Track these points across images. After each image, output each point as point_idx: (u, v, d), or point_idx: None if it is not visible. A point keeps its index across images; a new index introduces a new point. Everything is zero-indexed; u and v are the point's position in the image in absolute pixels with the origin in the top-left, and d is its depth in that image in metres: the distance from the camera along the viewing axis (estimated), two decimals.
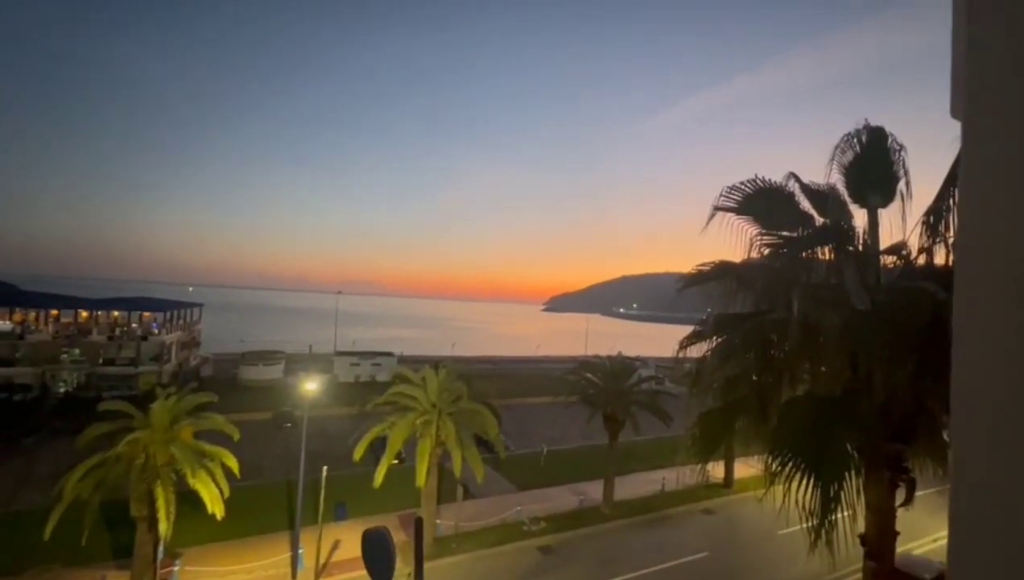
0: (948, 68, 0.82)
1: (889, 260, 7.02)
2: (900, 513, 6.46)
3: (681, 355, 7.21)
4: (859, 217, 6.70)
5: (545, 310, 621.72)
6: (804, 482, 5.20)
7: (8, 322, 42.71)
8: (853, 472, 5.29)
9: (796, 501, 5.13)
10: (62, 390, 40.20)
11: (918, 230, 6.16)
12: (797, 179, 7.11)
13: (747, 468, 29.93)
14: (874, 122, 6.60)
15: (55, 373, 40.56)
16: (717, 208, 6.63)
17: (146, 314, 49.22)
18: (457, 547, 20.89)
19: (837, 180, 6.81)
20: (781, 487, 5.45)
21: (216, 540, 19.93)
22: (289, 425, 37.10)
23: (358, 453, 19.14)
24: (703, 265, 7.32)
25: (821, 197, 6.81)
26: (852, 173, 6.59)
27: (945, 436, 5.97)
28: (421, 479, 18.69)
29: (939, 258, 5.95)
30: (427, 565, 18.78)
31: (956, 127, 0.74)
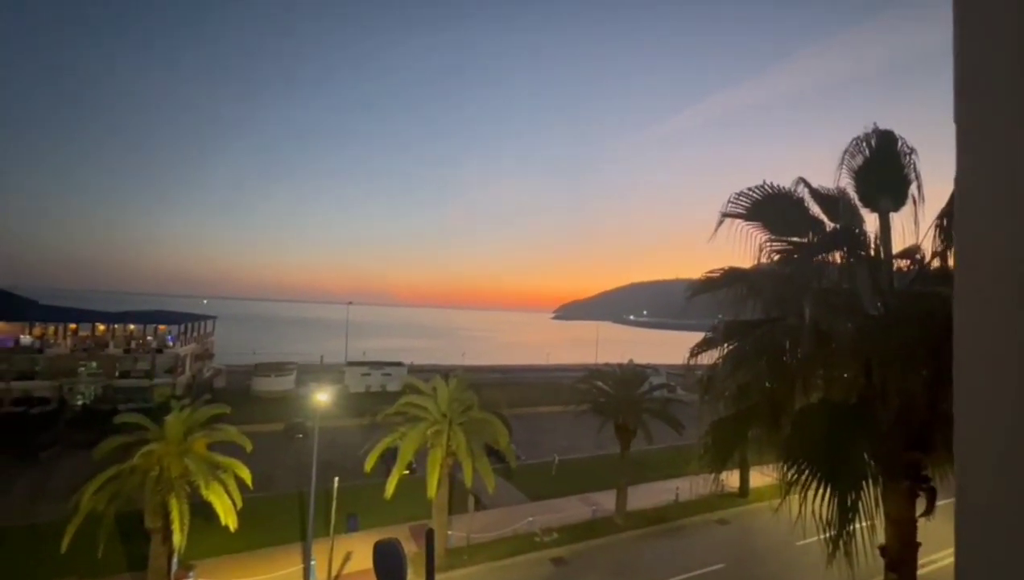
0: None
1: (902, 264, 6.93)
2: (921, 523, 6.30)
3: (692, 362, 7.15)
4: (870, 221, 6.63)
5: (555, 318, 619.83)
6: (820, 492, 5.10)
7: (28, 336, 43.57)
8: (870, 481, 5.18)
9: (812, 511, 5.03)
10: (79, 403, 40.82)
11: (931, 234, 6.08)
12: (806, 184, 7.07)
13: (763, 477, 29.38)
14: (885, 125, 6.55)
15: (73, 386, 41.22)
16: (725, 214, 6.61)
17: (161, 327, 49.96)
18: (469, 559, 20.71)
19: (847, 184, 6.75)
20: (797, 497, 5.36)
21: (229, 552, 19.98)
22: (301, 436, 37.27)
23: (369, 464, 19.16)
24: (712, 272, 7.28)
25: (831, 202, 6.75)
26: (862, 177, 6.53)
27: None
28: (432, 490, 18.63)
29: (953, 262, 5.84)
30: (439, 577, 18.65)
31: None
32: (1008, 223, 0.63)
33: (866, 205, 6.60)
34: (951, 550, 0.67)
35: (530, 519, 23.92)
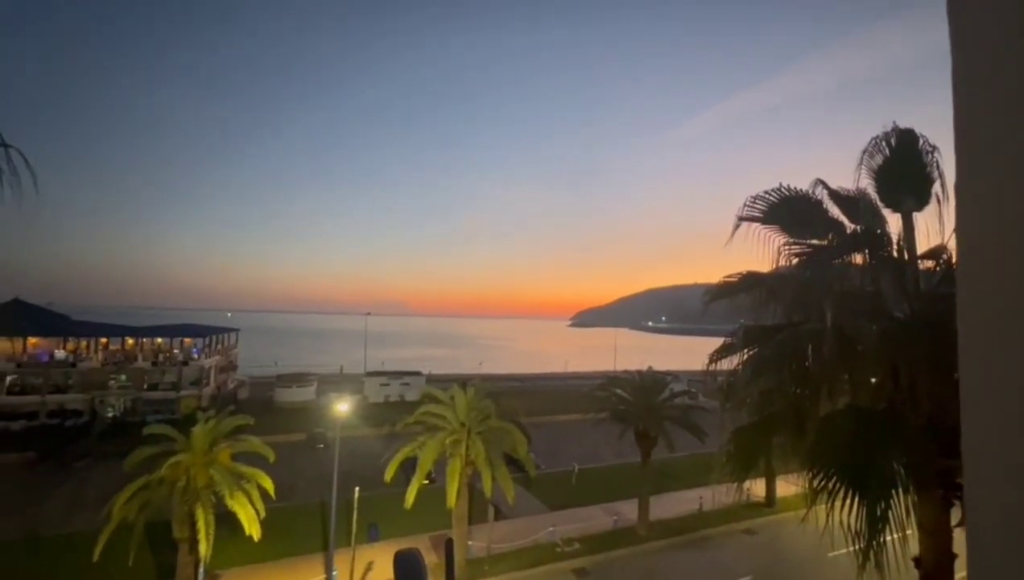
0: None
1: (928, 265, 6.73)
2: (958, 533, 6.05)
3: (712, 369, 7.04)
4: (893, 222, 6.47)
5: (572, 326, 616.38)
6: (848, 501, 4.95)
7: (62, 351, 45.21)
8: (900, 490, 5.01)
9: (840, 521, 4.88)
10: (110, 415, 42.07)
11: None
12: (825, 185, 6.95)
13: (790, 486, 28.60)
14: (905, 123, 6.42)
15: (104, 399, 42.53)
16: (742, 218, 6.53)
17: (187, 340, 51.33)
18: (490, 569, 20.57)
19: (867, 185, 6.61)
20: (824, 506, 5.21)
21: (253, 562, 20.24)
22: (322, 446, 37.70)
23: (389, 473, 19.25)
24: (730, 276, 7.18)
25: (851, 203, 6.62)
26: (883, 177, 6.39)
27: None
28: (452, 499, 18.61)
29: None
30: None
31: None
32: (1009, 225, 0.64)
33: (888, 205, 6.45)
34: None
35: (551, 529, 23.69)
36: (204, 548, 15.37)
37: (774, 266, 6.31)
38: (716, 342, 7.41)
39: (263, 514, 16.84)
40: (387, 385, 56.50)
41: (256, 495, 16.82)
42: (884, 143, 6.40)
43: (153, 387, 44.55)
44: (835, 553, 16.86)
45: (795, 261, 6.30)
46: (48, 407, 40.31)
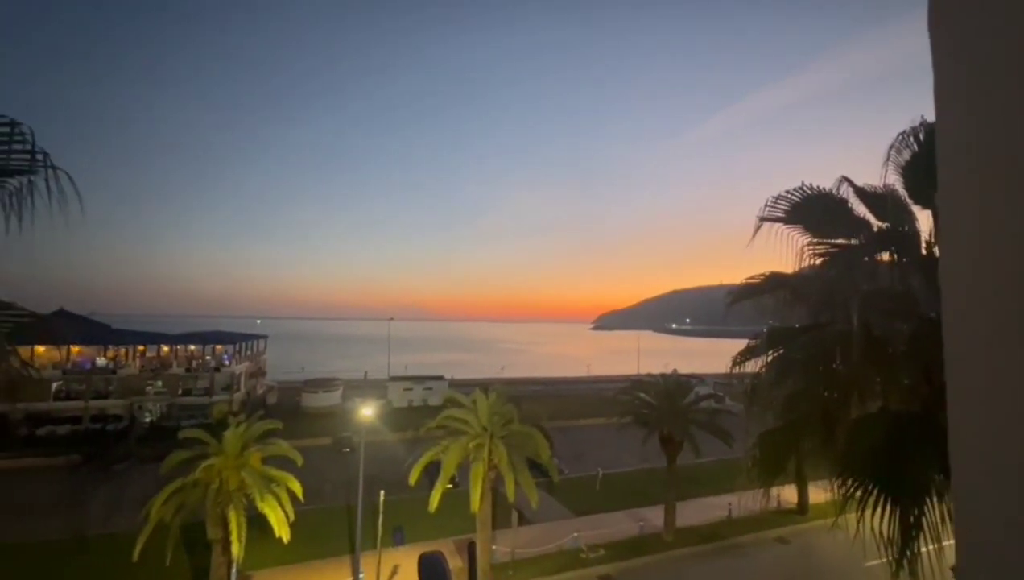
0: None
1: None
2: None
3: (736, 371, 6.92)
4: (923, 219, 6.25)
5: (594, 329, 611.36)
6: (880, 508, 4.79)
7: (103, 358, 47.32)
8: (935, 497, 4.82)
9: (872, 529, 4.72)
10: (148, 419, 43.76)
11: None
12: (850, 183, 6.77)
13: (824, 492, 27.66)
14: (934, 117, 6.20)
15: (142, 404, 44.30)
16: (763, 219, 6.41)
17: (218, 347, 53.00)
18: (514, 574, 20.52)
19: (895, 181, 6.42)
20: (856, 514, 5.06)
21: (282, 563, 20.71)
22: (348, 450, 38.33)
23: (413, 477, 19.46)
24: (753, 277, 7.06)
25: (878, 200, 6.42)
26: (911, 173, 6.18)
27: None
28: (475, 504, 18.67)
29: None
30: None
31: None
32: (990, 226, 0.65)
33: (917, 202, 6.23)
34: None
35: (575, 534, 23.49)
36: (237, 549, 15.82)
37: (798, 266, 6.18)
38: (742, 344, 7.29)
39: (292, 517, 17.23)
40: (410, 390, 57.12)
41: (285, 498, 17.23)
42: (912, 138, 6.21)
43: (187, 392, 46.13)
44: (872, 563, 16.22)
45: (819, 261, 6.16)
46: (91, 412, 42.20)
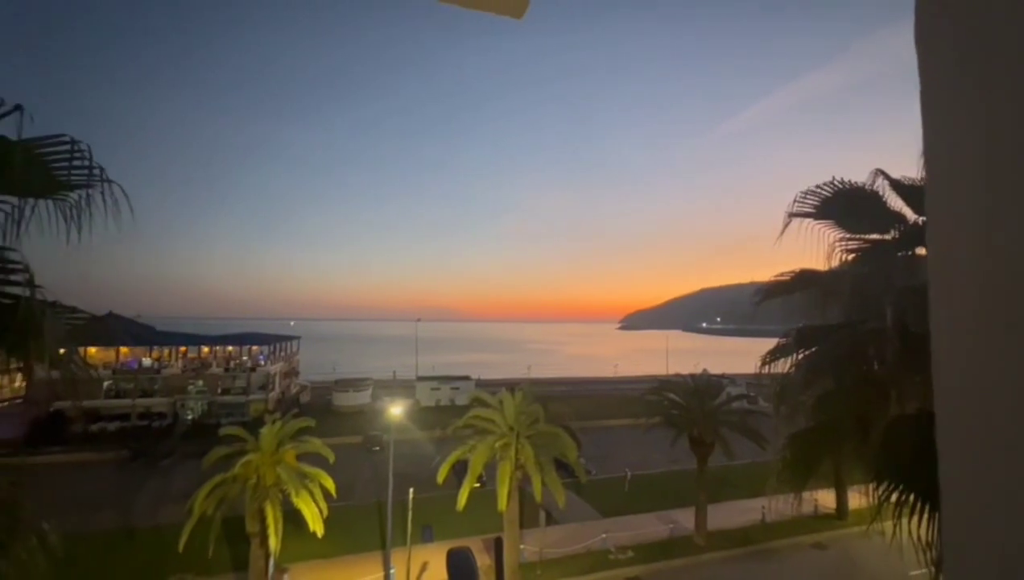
0: None
1: None
2: None
3: (767, 371, 6.78)
4: None
5: (621, 328, 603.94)
6: (918, 512, 4.62)
7: (149, 359, 49.85)
8: None
9: (910, 534, 4.56)
10: (190, 417, 45.87)
11: None
12: (885, 176, 6.54)
13: (864, 497, 26.59)
14: None
15: (184, 402, 46.44)
16: (792, 214, 6.26)
17: (254, 348, 55.03)
18: (543, 574, 20.56)
19: None
20: (892, 519, 4.89)
21: (316, 557, 21.35)
22: (378, 449, 39.17)
23: (441, 476, 19.73)
24: (782, 274, 6.90)
25: (915, 193, 6.18)
26: None
27: None
28: (502, 503, 18.80)
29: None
30: None
31: None
32: (977, 219, 0.68)
33: None
34: None
35: (603, 535, 23.34)
36: (274, 542, 16.42)
37: (828, 263, 6.01)
38: (775, 343, 7.14)
39: (325, 512, 17.76)
40: (438, 389, 57.85)
41: (319, 494, 17.76)
42: None
43: (226, 391, 48.08)
44: (917, 572, 15.51)
45: (851, 257, 5.97)
46: (138, 410, 44.54)
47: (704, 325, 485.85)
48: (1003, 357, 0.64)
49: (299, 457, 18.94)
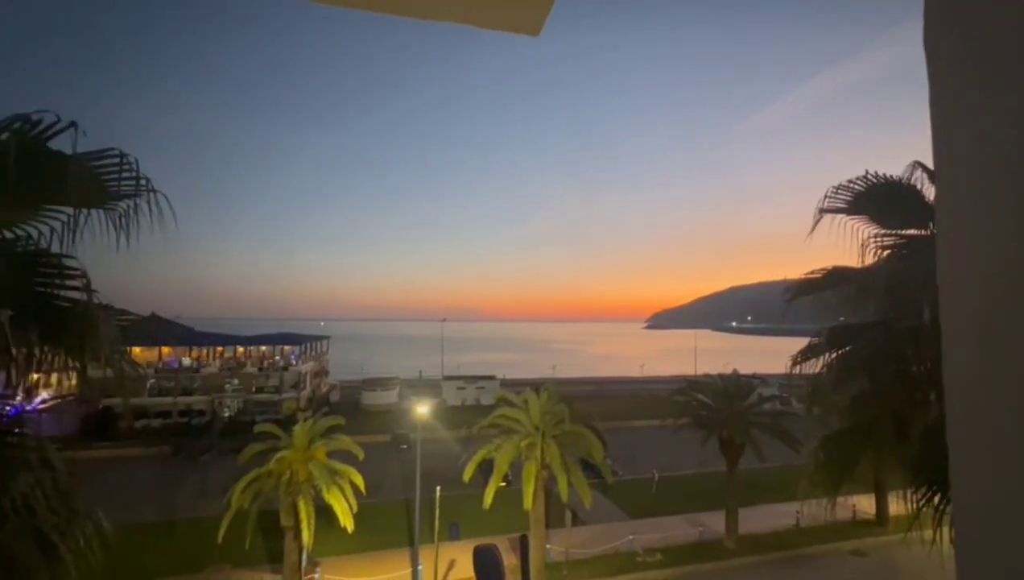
0: None
1: None
2: None
3: (796, 371, 6.61)
4: None
5: (647, 328, 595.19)
6: None
7: (188, 358, 52.10)
8: None
9: (951, 542, 4.39)
10: (227, 415, 47.69)
11: None
12: (923, 168, 6.29)
13: (905, 503, 25.49)
14: None
15: (222, 400, 48.31)
16: (823, 210, 6.09)
17: (286, 347, 56.77)
18: (569, 574, 20.52)
19: None
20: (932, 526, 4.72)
21: (347, 552, 21.89)
22: (405, 447, 39.84)
23: (467, 474, 19.93)
24: (813, 272, 6.72)
25: None
26: None
27: None
28: (528, 502, 18.85)
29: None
30: None
31: None
32: (988, 215, 0.70)
33: None
34: None
35: (630, 537, 23.10)
36: (307, 536, 16.95)
37: (862, 260, 5.81)
38: (807, 342, 6.96)
39: (355, 508, 18.20)
40: (463, 389, 58.38)
41: (349, 490, 18.23)
42: None
43: (260, 390, 49.77)
44: None
45: (886, 253, 5.76)
46: (178, 407, 46.60)
47: (734, 324, 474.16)
48: (1012, 356, 0.66)
49: (330, 454, 19.46)
